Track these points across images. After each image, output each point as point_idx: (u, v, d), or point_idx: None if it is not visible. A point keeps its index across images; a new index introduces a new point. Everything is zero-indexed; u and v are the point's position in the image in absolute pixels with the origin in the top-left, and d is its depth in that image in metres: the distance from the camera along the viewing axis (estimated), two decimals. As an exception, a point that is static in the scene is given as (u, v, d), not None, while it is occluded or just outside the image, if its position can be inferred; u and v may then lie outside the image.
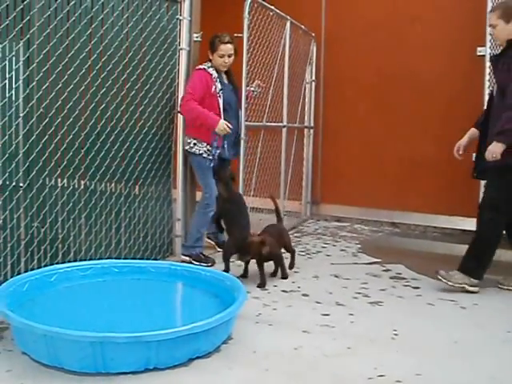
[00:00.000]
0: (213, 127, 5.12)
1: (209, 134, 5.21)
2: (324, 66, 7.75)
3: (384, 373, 3.18)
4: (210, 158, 5.28)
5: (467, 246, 4.75)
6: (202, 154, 5.27)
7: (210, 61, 5.34)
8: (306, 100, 7.65)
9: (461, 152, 4.96)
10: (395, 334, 3.76)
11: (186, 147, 5.37)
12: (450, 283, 4.67)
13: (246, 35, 5.63)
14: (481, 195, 6.58)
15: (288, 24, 6.69)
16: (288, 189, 7.03)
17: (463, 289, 4.66)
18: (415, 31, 7.10)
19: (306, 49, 7.53)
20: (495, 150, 4.39)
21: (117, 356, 3.04)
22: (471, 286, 4.67)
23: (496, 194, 4.62)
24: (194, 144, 5.29)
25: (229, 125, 5.14)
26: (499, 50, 4.75)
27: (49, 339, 3.06)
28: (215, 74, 5.30)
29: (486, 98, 6.46)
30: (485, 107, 4.97)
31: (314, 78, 7.69)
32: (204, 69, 5.27)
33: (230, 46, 5.29)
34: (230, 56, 5.31)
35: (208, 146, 5.26)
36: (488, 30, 6.41)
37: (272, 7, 6.21)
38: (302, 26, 7.14)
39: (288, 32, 6.71)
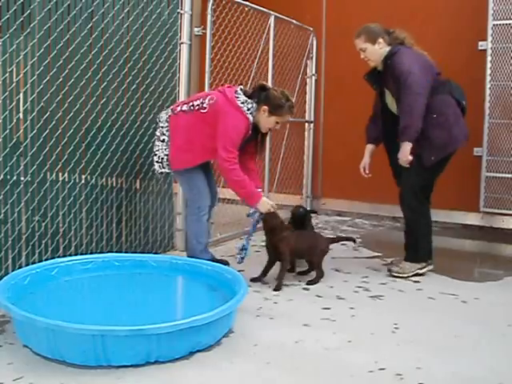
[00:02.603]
0: (252, 204, 4.57)
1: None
2: (325, 61, 7.74)
3: (384, 366, 3.18)
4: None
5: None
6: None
7: (250, 104, 4.51)
8: (307, 94, 7.64)
9: (367, 171, 5.12)
10: (396, 328, 3.76)
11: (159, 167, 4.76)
12: (404, 275, 4.87)
13: (209, 31, 5.57)
14: (482, 190, 6.63)
15: (272, 19, 6.66)
16: (287, 183, 7.03)
17: (417, 274, 4.90)
18: (416, 25, 7.06)
19: (303, 43, 7.51)
20: (405, 153, 4.64)
21: (118, 349, 3.05)
22: (422, 268, 4.95)
23: (413, 180, 4.79)
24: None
25: (273, 205, 4.59)
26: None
27: (50, 332, 3.07)
28: (251, 123, 4.55)
29: (488, 91, 6.51)
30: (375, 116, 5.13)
31: (314, 72, 7.68)
32: (248, 118, 4.48)
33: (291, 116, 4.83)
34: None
35: None
36: (489, 25, 6.45)
37: (247, 3, 6.21)
38: (294, 21, 7.11)
39: (272, 27, 6.67)
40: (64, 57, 4.35)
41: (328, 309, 4.08)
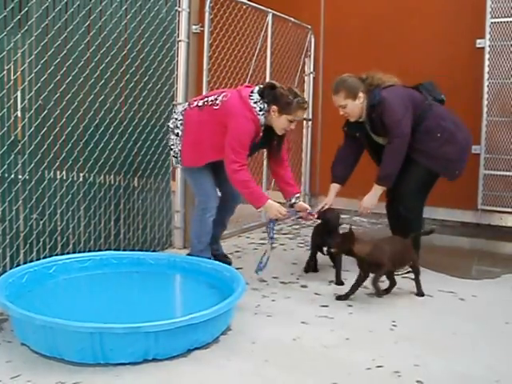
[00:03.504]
0: (257, 206, 4.44)
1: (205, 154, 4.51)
2: (323, 59, 7.74)
3: (382, 363, 3.19)
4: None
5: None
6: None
7: (263, 104, 4.37)
8: (305, 92, 7.65)
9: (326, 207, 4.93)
10: (394, 325, 3.76)
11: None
12: (399, 273, 4.80)
13: (207, 29, 5.57)
14: (480, 188, 6.63)
15: (270, 16, 6.65)
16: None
17: (410, 271, 4.77)
18: (414, 24, 7.09)
19: (301, 41, 7.51)
20: (374, 200, 4.77)
21: (116, 347, 3.04)
22: None
23: (418, 182, 4.81)
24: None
25: (282, 211, 4.42)
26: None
27: (48, 330, 3.07)
28: (262, 124, 4.41)
29: (486, 89, 6.51)
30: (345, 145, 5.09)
31: (312, 70, 7.68)
32: (258, 120, 4.34)
33: (305, 112, 4.72)
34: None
35: None
36: (487, 22, 6.45)
37: (245, 0, 6.21)
38: (292, 19, 7.12)
39: (270, 25, 6.67)
40: (62, 54, 4.35)
41: (326, 306, 4.08)
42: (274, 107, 4.36)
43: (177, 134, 4.61)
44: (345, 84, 4.71)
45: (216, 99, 4.46)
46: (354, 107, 4.69)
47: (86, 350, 3.04)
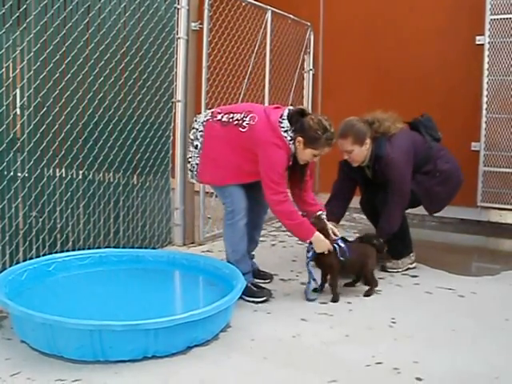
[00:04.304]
0: (305, 239, 4.16)
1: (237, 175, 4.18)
2: (322, 55, 7.74)
3: (382, 360, 3.19)
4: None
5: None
6: None
7: (293, 133, 4.03)
8: (304, 89, 7.65)
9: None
10: (393, 322, 3.77)
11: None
12: (400, 270, 4.93)
13: (206, 26, 5.55)
14: (479, 185, 6.63)
15: (269, 14, 6.64)
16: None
17: (409, 268, 4.99)
18: (414, 20, 7.08)
19: (300, 38, 7.50)
20: None
21: (115, 344, 3.05)
22: (412, 262, 5.04)
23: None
24: None
25: (330, 246, 4.16)
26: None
27: (47, 327, 3.07)
28: (292, 153, 4.11)
29: (486, 86, 6.51)
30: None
31: (311, 67, 7.67)
32: (290, 149, 4.04)
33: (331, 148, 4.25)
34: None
35: None
36: (487, 19, 6.44)
37: None
38: (291, 16, 7.11)
39: (269, 22, 6.66)
40: (61, 52, 4.34)
41: (325, 303, 4.09)
42: (300, 139, 4.01)
43: (196, 147, 4.22)
44: (353, 129, 4.63)
45: (243, 120, 4.08)
46: (360, 153, 4.66)
47: (86, 348, 3.05)
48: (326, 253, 4.13)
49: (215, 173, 4.18)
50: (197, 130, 4.23)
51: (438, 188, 4.87)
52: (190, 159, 4.29)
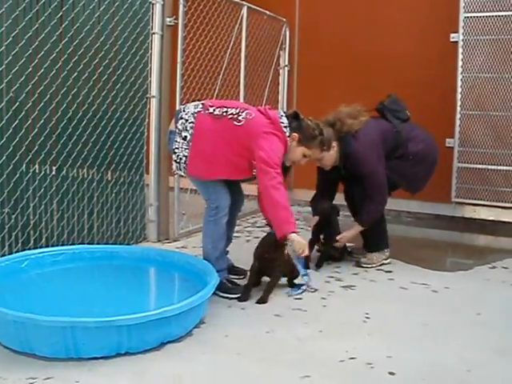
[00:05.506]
0: (284, 235, 3.92)
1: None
2: (298, 51, 7.73)
3: (355, 355, 3.21)
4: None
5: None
6: None
7: (290, 131, 4.06)
8: (280, 85, 7.65)
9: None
10: (367, 318, 3.79)
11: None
12: (374, 265, 4.96)
13: (181, 22, 5.51)
14: (453, 181, 6.68)
15: (244, 9, 6.63)
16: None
17: (383, 263, 5.01)
18: (389, 16, 7.09)
19: (275, 34, 7.49)
20: (353, 238, 5.01)
21: (88, 341, 3.03)
22: (387, 258, 5.06)
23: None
24: None
25: (306, 250, 4.03)
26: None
27: (19, 325, 3.05)
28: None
29: (460, 83, 6.55)
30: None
31: (287, 63, 7.67)
32: (288, 145, 4.08)
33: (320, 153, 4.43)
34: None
35: None
36: (461, 17, 6.48)
37: None
38: (267, 11, 7.10)
39: (245, 17, 6.65)
40: (33, 46, 4.29)
41: (299, 299, 4.10)
42: (295, 135, 4.05)
43: (184, 138, 4.09)
44: (318, 138, 4.48)
45: (238, 114, 4.04)
46: (329, 157, 4.71)
47: (58, 345, 3.03)
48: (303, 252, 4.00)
49: (205, 166, 4.09)
50: (186, 120, 4.11)
51: (413, 169, 4.90)
52: (176, 150, 4.15)
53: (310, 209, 5.20)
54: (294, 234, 3.91)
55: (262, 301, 4.02)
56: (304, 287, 4.25)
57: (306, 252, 4.01)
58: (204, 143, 4.06)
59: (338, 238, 4.90)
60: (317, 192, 5.14)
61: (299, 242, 3.94)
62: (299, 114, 4.16)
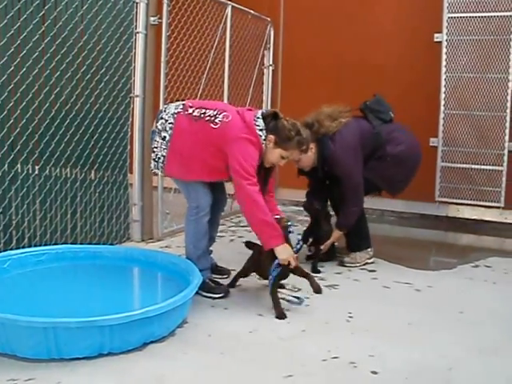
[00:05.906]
0: (270, 247, 3.87)
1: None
2: (282, 51, 7.74)
3: (338, 355, 3.21)
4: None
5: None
6: None
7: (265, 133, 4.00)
8: (264, 84, 7.65)
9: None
10: (350, 317, 3.79)
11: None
12: (358, 264, 4.99)
13: (165, 21, 5.50)
14: (437, 180, 6.71)
15: (229, 9, 6.62)
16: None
17: (367, 263, 5.03)
18: (373, 16, 7.13)
19: (260, 33, 7.50)
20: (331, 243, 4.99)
21: (70, 341, 3.02)
22: (370, 257, 5.09)
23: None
24: None
25: (293, 261, 3.90)
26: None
27: (0, 326, 3.02)
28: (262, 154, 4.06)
29: (444, 83, 6.59)
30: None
31: (271, 62, 7.67)
32: (262, 148, 3.99)
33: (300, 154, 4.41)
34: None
35: None
36: (444, 17, 6.51)
37: None
38: (251, 11, 7.10)
39: (229, 17, 6.64)
40: (15, 45, 4.26)
41: (282, 299, 4.08)
42: (272, 137, 3.98)
43: (163, 138, 4.09)
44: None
45: (215, 116, 4.01)
46: (307, 159, 4.74)
47: (40, 346, 3.01)
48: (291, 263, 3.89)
49: (182, 168, 4.09)
50: (166, 121, 4.11)
51: (391, 171, 4.90)
52: (155, 149, 4.16)
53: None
54: (280, 247, 3.84)
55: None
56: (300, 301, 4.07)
57: (293, 263, 3.89)
58: (182, 144, 4.05)
59: (321, 247, 4.91)
60: (308, 191, 5.16)
61: (283, 255, 3.84)
62: (278, 114, 4.07)
